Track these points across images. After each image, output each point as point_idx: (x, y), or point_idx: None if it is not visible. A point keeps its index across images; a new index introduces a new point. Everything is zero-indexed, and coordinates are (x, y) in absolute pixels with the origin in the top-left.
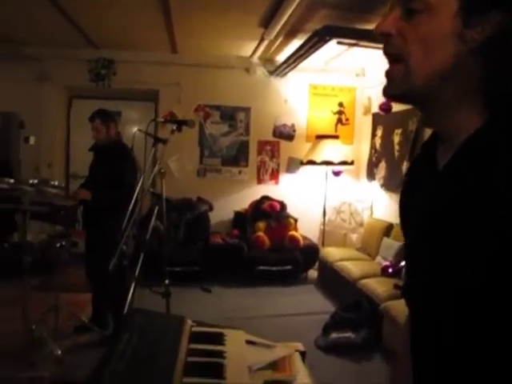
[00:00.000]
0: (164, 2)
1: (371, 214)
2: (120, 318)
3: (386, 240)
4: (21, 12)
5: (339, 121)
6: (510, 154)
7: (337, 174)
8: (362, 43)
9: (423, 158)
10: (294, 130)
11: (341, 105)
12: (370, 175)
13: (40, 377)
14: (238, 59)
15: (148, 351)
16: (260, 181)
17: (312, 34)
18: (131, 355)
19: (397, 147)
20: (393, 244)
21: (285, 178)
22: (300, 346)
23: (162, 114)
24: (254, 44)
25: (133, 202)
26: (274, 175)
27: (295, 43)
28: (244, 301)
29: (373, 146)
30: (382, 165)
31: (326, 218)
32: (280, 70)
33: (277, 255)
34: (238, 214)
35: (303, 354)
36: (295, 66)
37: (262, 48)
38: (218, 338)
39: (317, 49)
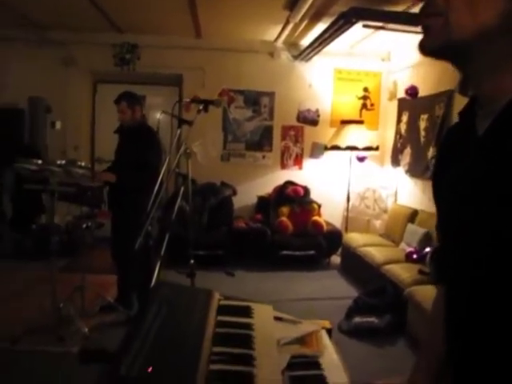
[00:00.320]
0: None
1: (395, 200)
2: (145, 297)
3: (410, 226)
4: None
5: (364, 106)
6: None
7: (361, 159)
8: (388, 26)
9: (460, 126)
10: (318, 115)
11: (366, 90)
12: (395, 161)
13: (68, 351)
14: (263, 43)
15: (176, 322)
16: (284, 166)
17: (338, 16)
18: (160, 326)
19: (423, 133)
20: (417, 230)
21: (308, 163)
22: (327, 324)
23: (187, 97)
24: (278, 28)
25: (158, 183)
26: (298, 160)
27: (320, 27)
28: (267, 285)
29: (398, 132)
30: (407, 151)
31: (350, 203)
32: (304, 54)
33: (300, 240)
34: (261, 199)
35: (329, 332)
36: (320, 50)
37: (286, 32)
38: (246, 311)
39: (342, 32)
